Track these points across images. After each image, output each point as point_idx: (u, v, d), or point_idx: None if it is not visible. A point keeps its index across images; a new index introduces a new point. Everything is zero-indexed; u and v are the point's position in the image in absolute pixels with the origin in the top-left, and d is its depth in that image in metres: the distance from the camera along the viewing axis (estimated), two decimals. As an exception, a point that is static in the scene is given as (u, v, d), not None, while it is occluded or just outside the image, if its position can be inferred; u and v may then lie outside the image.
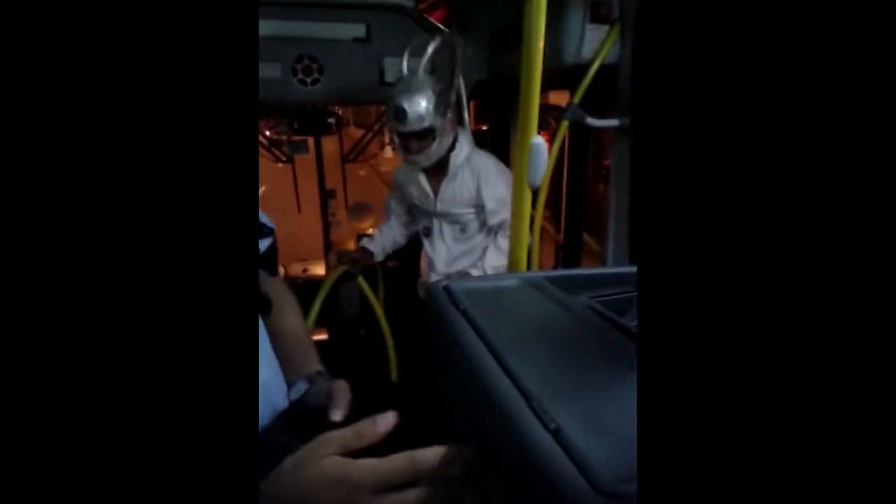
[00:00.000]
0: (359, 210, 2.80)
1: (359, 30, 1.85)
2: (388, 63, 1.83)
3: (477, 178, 1.61)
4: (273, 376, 0.59)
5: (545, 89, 1.87)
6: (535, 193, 1.05)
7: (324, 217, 2.79)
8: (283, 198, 3.39)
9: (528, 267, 1.14)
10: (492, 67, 1.96)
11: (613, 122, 1.27)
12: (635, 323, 0.38)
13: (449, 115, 1.51)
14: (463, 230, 1.73)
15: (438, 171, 1.64)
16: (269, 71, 1.78)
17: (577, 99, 1.24)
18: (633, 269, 0.50)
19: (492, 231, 1.70)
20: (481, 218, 1.68)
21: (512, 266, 1.01)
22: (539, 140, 0.86)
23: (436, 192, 1.68)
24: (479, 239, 1.72)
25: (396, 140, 1.56)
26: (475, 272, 1.67)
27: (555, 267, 2.17)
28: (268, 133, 2.85)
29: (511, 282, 0.48)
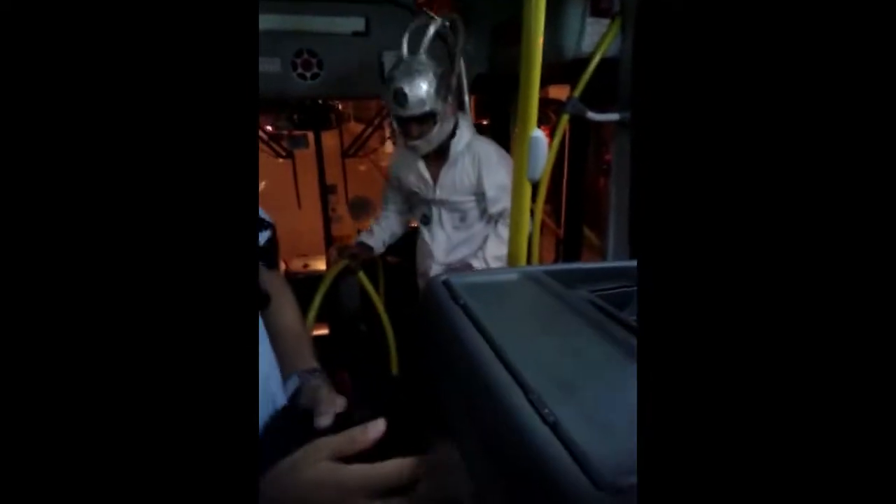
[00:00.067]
0: (359, 205, 2.80)
1: (358, 23, 1.84)
2: (388, 57, 1.82)
3: (478, 164, 1.57)
4: (271, 371, 0.59)
5: (545, 83, 1.86)
6: (536, 187, 1.05)
7: (324, 212, 2.78)
8: (284, 193, 3.39)
9: (529, 261, 1.14)
10: (492, 62, 1.95)
11: (614, 117, 1.27)
12: (635, 317, 0.38)
13: (450, 99, 1.48)
14: (462, 218, 1.70)
15: (438, 157, 1.61)
16: (268, 65, 1.77)
17: (577, 93, 1.24)
18: (633, 263, 0.50)
19: (492, 219, 1.67)
20: (481, 206, 1.65)
21: (511, 260, 1.01)
22: (539, 133, 0.86)
23: (435, 178, 1.64)
24: (479, 227, 1.70)
25: (396, 125, 1.52)
26: (476, 262, 1.65)
27: (555, 261, 2.17)
28: (269, 128, 2.85)
29: (510, 276, 0.48)
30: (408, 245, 1.96)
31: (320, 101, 2.61)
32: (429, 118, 1.46)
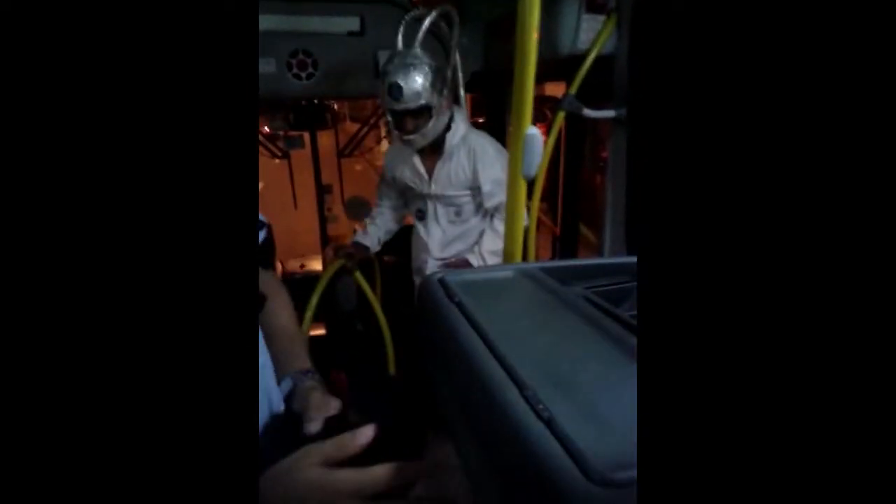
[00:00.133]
0: (355, 205, 2.79)
1: (353, 23, 1.84)
2: (383, 56, 1.82)
3: (473, 158, 1.56)
4: (270, 374, 0.59)
5: (541, 80, 1.86)
6: (532, 184, 1.05)
7: (320, 212, 2.78)
8: (280, 194, 3.38)
9: (525, 258, 1.14)
10: (487, 59, 1.95)
11: (610, 114, 1.27)
12: (630, 313, 0.38)
13: (445, 92, 1.47)
14: (458, 213, 1.69)
15: (433, 151, 1.59)
16: (263, 66, 1.77)
17: (573, 90, 1.23)
18: (628, 259, 0.50)
19: (487, 214, 1.67)
20: (477, 200, 1.64)
21: (507, 257, 1.01)
22: (534, 130, 0.86)
23: (430, 173, 1.63)
24: (475, 222, 1.69)
25: (390, 119, 1.50)
26: (471, 257, 1.64)
27: (552, 258, 2.17)
28: (265, 129, 2.84)
29: (506, 273, 0.47)
30: (404, 244, 1.96)
31: (316, 102, 2.61)
32: (424, 111, 1.45)
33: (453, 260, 1.70)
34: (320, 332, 2.61)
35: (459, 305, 0.40)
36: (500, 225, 1.62)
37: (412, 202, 1.79)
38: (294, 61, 1.80)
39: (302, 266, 3.34)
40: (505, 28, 1.64)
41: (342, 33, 1.83)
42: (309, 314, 1.79)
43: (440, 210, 1.70)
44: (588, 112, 1.24)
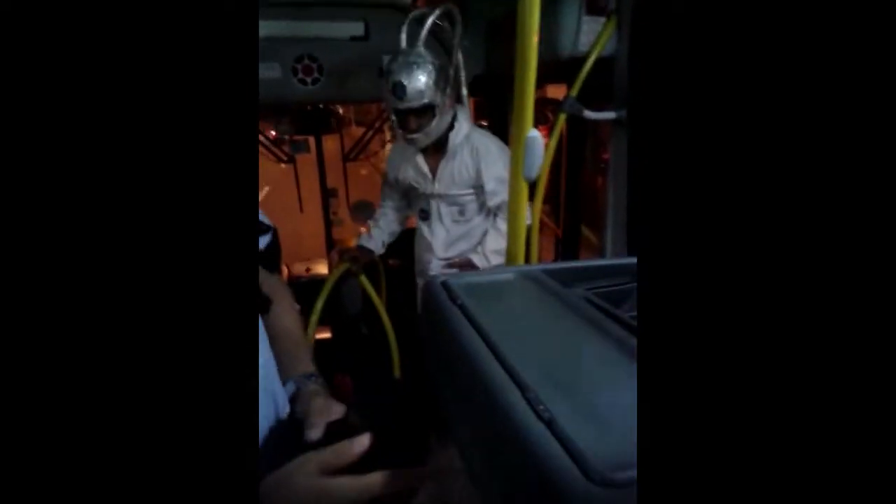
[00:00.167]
0: (361, 209, 2.80)
1: (357, 28, 1.85)
2: (387, 60, 1.83)
3: (477, 157, 1.56)
4: (275, 377, 0.59)
5: (542, 83, 1.86)
6: (534, 186, 1.05)
7: (326, 216, 2.79)
8: (286, 198, 3.40)
9: (528, 260, 1.14)
10: (489, 63, 1.95)
11: (611, 115, 1.27)
12: (631, 314, 0.38)
13: (448, 91, 1.47)
14: (461, 212, 1.68)
15: (437, 150, 1.59)
16: (269, 71, 1.78)
17: (574, 92, 1.24)
18: (629, 260, 0.50)
19: (490, 213, 1.66)
20: (480, 199, 1.64)
21: (510, 259, 1.01)
22: (535, 133, 0.86)
23: (434, 172, 1.63)
24: (478, 221, 1.68)
25: (394, 119, 1.51)
26: (475, 257, 1.64)
27: (554, 260, 2.17)
28: (271, 133, 2.86)
29: (508, 275, 0.48)
30: (408, 247, 1.96)
31: (321, 106, 2.62)
32: (427, 110, 1.45)
33: (457, 260, 1.69)
34: (326, 335, 2.62)
35: (462, 308, 0.40)
36: (503, 224, 1.61)
37: (415, 202, 1.79)
38: (299, 66, 1.81)
39: (307, 270, 3.34)
40: (506, 31, 1.64)
41: (346, 38, 1.84)
42: (314, 317, 1.79)
43: (444, 209, 1.70)
44: (589, 114, 1.24)
